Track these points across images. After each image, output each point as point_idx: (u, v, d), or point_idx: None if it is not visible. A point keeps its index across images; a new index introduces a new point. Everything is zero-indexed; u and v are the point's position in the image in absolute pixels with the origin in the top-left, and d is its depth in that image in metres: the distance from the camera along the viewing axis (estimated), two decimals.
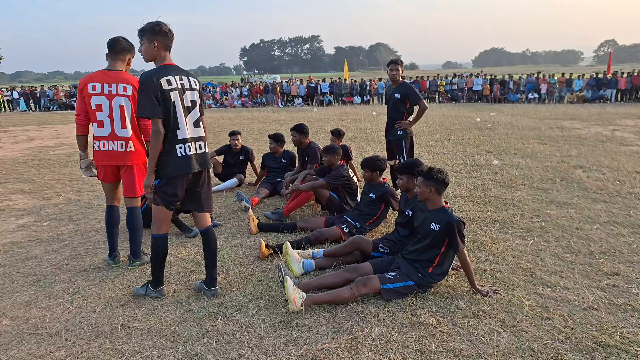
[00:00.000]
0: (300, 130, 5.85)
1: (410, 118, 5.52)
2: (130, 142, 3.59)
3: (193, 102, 3.08)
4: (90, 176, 3.78)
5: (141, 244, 3.83)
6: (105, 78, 3.51)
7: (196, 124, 3.10)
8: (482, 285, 3.28)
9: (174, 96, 2.94)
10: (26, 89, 29.22)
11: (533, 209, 5.06)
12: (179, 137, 2.97)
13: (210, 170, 3.28)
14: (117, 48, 3.57)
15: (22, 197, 6.33)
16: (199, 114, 3.13)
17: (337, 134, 6.17)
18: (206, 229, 3.25)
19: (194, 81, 3.12)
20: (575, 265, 3.63)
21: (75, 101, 3.55)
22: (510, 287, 3.28)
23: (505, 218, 4.79)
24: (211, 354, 2.59)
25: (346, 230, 4.29)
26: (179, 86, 2.98)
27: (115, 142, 3.55)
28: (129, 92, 3.54)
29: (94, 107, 3.49)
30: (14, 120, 19.42)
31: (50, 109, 27.30)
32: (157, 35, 2.93)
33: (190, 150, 3.02)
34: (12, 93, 28.48)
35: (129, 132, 3.58)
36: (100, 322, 2.95)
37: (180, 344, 2.68)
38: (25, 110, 27.11)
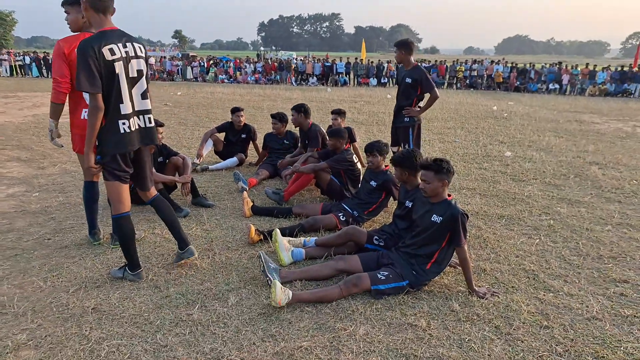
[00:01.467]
0: (299, 109, 5.57)
1: (421, 104, 5.20)
2: None
3: (139, 72, 2.84)
4: (61, 146, 3.44)
5: None
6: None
7: (144, 96, 2.87)
8: (479, 286, 3.07)
9: (118, 67, 2.68)
10: (38, 54, 28.87)
11: (542, 206, 4.80)
12: (122, 112, 2.74)
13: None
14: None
15: (17, 165, 6.23)
16: (146, 85, 2.88)
17: (338, 113, 5.81)
18: (153, 199, 3.15)
19: (139, 47, 2.85)
20: (582, 269, 3.40)
21: None
22: (510, 290, 3.06)
23: (512, 214, 4.54)
24: (182, 346, 2.43)
25: (343, 219, 4.08)
26: (123, 54, 2.71)
27: None
28: None
29: None
30: (24, 86, 19.35)
31: None
32: None
33: (133, 126, 2.82)
34: (24, 58, 28.05)
35: None
36: (71, 304, 2.81)
37: (151, 333, 2.53)
38: (37, 77, 26.93)
